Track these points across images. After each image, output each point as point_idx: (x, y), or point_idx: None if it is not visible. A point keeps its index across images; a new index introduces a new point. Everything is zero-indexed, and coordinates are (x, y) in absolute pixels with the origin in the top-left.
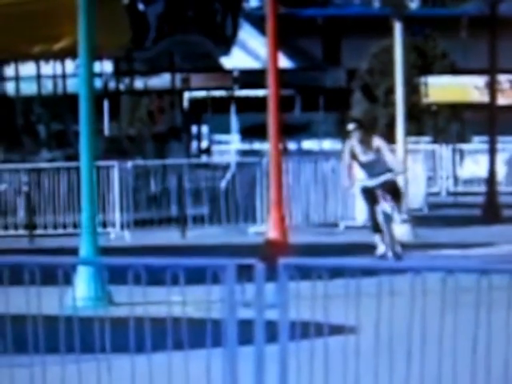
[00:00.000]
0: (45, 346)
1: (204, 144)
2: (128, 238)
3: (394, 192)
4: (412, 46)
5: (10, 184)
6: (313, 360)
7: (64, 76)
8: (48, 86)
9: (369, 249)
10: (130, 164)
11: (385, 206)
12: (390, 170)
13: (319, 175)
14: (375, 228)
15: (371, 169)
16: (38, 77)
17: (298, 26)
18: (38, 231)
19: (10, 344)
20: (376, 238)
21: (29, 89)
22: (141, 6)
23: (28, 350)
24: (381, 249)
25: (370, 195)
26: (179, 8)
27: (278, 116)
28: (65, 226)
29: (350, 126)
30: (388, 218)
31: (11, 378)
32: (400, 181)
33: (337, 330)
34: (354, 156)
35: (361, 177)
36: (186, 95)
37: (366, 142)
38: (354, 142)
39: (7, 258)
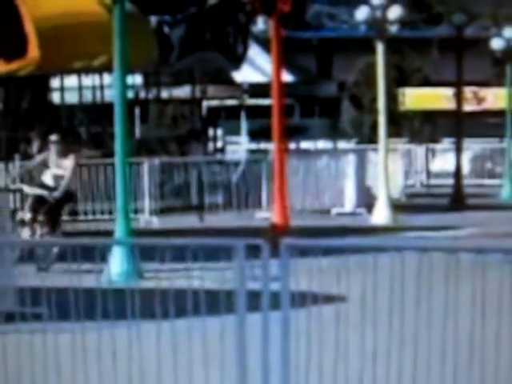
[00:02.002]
0: (84, 314)
1: (219, 144)
2: (155, 222)
3: (51, 210)
4: (392, 63)
5: None
6: (310, 324)
7: (102, 87)
8: (88, 96)
9: (357, 231)
10: (157, 161)
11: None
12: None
13: (314, 170)
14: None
15: (58, 182)
16: (80, 88)
17: (297, 46)
18: (80, 217)
19: (55, 312)
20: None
21: (72, 98)
22: (166, 29)
23: (70, 318)
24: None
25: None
26: (198, 31)
27: (280, 121)
28: (102, 213)
29: (53, 137)
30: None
31: (56, 342)
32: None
33: (329, 299)
34: (46, 164)
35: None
36: (204, 103)
37: (62, 156)
38: (52, 153)
39: (53, 240)
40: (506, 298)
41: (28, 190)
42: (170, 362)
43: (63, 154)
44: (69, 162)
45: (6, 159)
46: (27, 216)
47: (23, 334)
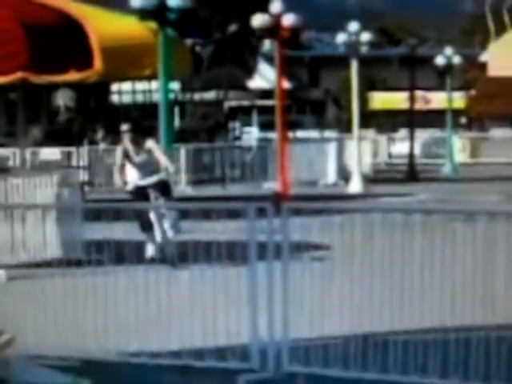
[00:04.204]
0: (135, 260)
1: (237, 133)
2: (190, 191)
3: (166, 191)
4: (363, 74)
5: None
6: (303, 266)
7: (150, 91)
8: (140, 97)
9: (338, 197)
10: (191, 146)
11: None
12: (160, 171)
13: (306, 152)
14: (143, 227)
15: (144, 169)
16: (133, 91)
17: (294, 61)
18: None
19: (113, 259)
20: (146, 239)
21: (127, 99)
22: (198, 49)
23: (124, 263)
24: (149, 251)
25: (141, 195)
26: (221, 50)
27: (282, 116)
28: None
29: (124, 127)
30: (160, 216)
31: (115, 282)
32: (171, 180)
33: (318, 247)
34: (127, 156)
35: (134, 177)
36: (226, 104)
37: (137, 144)
38: (126, 144)
39: (112, 204)
40: (448, 247)
41: (142, 182)
42: (199, 296)
43: (137, 141)
44: (150, 145)
45: (78, 145)
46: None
47: (89, 276)
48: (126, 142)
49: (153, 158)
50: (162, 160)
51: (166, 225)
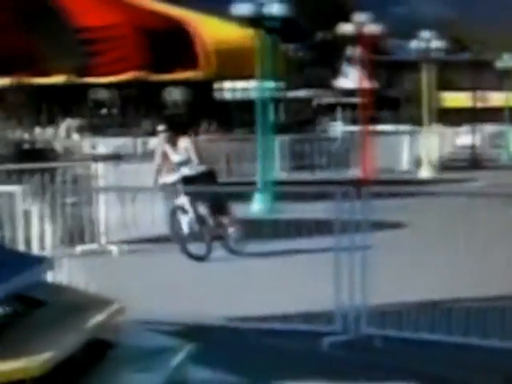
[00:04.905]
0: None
1: (324, 126)
2: (285, 176)
3: (195, 184)
4: (434, 76)
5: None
6: (382, 241)
7: (247, 89)
8: (239, 94)
9: (411, 182)
10: (286, 137)
11: (182, 200)
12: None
13: (384, 143)
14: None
15: (182, 166)
16: (233, 89)
17: (375, 64)
18: (234, 178)
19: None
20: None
21: (228, 96)
22: (292, 52)
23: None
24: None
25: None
26: (313, 54)
27: (365, 112)
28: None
29: (160, 128)
30: (183, 212)
31: (213, 254)
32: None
33: (395, 225)
34: (166, 156)
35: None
36: (315, 101)
37: (174, 143)
38: (164, 144)
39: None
40: (505, 226)
41: (169, 178)
42: (289, 267)
43: (173, 140)
44: (185, 144)
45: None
46: (184, 200)
47: (191, 249)
48: (164, 142)
49: (191, 155)
50: (194, 158)
51: (186, 218)
